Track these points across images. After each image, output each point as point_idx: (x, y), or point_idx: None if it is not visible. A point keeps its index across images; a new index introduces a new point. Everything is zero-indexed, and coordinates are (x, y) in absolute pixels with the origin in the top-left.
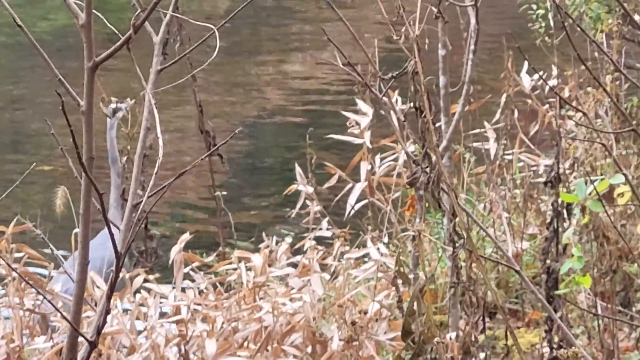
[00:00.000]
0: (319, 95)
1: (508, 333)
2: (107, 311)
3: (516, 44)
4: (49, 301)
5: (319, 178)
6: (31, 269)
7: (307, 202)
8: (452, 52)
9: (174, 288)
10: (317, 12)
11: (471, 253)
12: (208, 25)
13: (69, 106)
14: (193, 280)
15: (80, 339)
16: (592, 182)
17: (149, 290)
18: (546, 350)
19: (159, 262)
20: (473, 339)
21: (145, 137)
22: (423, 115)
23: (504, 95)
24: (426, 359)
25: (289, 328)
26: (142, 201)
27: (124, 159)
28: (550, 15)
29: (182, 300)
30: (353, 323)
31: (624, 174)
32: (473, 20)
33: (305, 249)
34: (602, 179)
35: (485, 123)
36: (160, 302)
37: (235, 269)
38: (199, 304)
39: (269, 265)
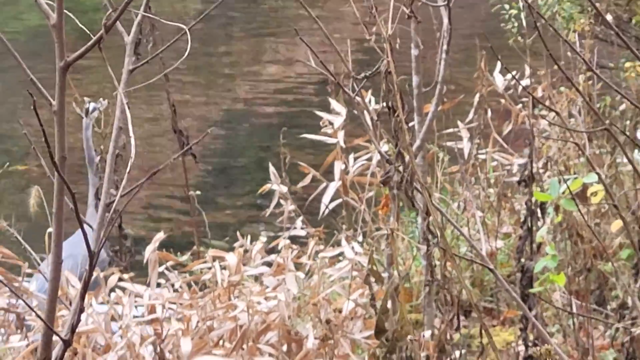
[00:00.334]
0: (293, 95)
1: (483, 331)
2: (81, 310)
3: (489, 44)
4: (23, 300)
5: (293, 177)
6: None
7: (282, 201)
8: (425, 51)
9: (148, 287)
10: (291, 11)
11: (445, 252)
12: (180, 25)
13: (41, 106)
14: (168, 279)
15: (55, 337)
16: (565, 181)
17: (123, 290)
18: (521, 348)
19: (134, 261)
20: (448, 337)
21: (118, 137)
22: (396, 114)
23: (477, 95)
24: (400, 357)
25: (264, 327)
26: (114, 200)
27: (98, 158)
28: (522, 15)
29: (156, 299)
30: (328, 321)
31: (597, 173)
32: (446, 20)
33: (279, 248)
34: (575, 178)
35: (459, 122)
36: (135, 301)
37: (209, 268)
38: (174, 303)
39: (244, 264)
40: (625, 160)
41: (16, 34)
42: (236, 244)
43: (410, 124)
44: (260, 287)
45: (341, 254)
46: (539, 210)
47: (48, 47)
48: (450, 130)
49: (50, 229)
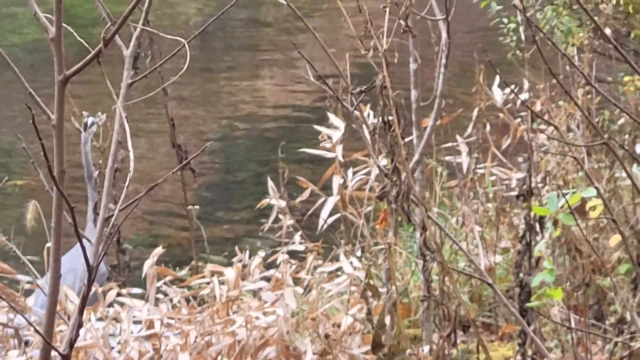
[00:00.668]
0: (291, 109)
1: (481, 347)
2: (80, 324)
3: (487, 58)
4: (21, 315)
5: (291, 192)
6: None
7: (280, 216)
8: (423, 65)
9: (147, 302)
10: (289, 25)
11: (443, 266)
12: (179, 39)
13: (40, 120)
14: (166, 294)
15: (54, 352)
16: (564, 195)
17: (122, 304)
18: None
19: (132, 276)
20: (446, 352)
21: (117, 151)
22: (392, 129)
23: (476, 109)
24: None
25: (263, 342)
26: (113, 214)
27: (96, 172)
28: (521, 29)
29: (155, 314)
30: (326, 337)
31: (596, 188)
32: (444, 34)
33: (278, 262)
34: (574, 193)
35: (457, 137)
36: (133, 316)
37: (208, 283)
38: (172, 318)
39: (242, 279)
40: (624, 174)
41: (15, 47)
42: (235, 259)
43: (409, 138)
44: (259, 302)
45: (340, 268)
46: (537, 225)
47: (47, 61)
48: (449, 144)
49: (49, 244)
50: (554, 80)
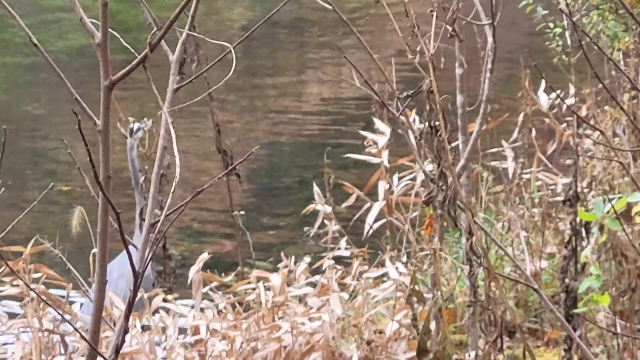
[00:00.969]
0: (337, 114)
1: (527, 352)
2: (126, 331)
3: (533, 63)
4: (67, 321)
5: (337, 197)
6: (52, 290)
7: (326, 221)
8: (469, 70)
9: (192, 308)
10: (334, 28)
11: (489, 272)
12: (224, 44)
13: (86, 126)
14: (212, 300)
15: (99, 359)
16: (610, 200)
17: (167, 310)
18: None
19: (178, 282)
20: (492, 358)
21: (162, 157)
22: (438, 134)
23: (522, 114)
24: None
25: (308, 348)
26: (159, 220)
27: (142, 178)
28: (567, 34)
29: (201, 320)
30: (369, 343)
31: None
32: (490, 39)
33: (323, 268)
34: (619, 198)
35: (503, 142)
36: (179, 322)
37: (254, 289)
38: (218, 324)
39: (288, 285)
40: None
41: (61, 53)
42: (280, 265)
43: (455, 144)
44: (305, 308)
45: (385, 274)
46: (583, 230)
47: (93, 66)
48: (495, 149)
49: (94, 250)
50: (600, 85)
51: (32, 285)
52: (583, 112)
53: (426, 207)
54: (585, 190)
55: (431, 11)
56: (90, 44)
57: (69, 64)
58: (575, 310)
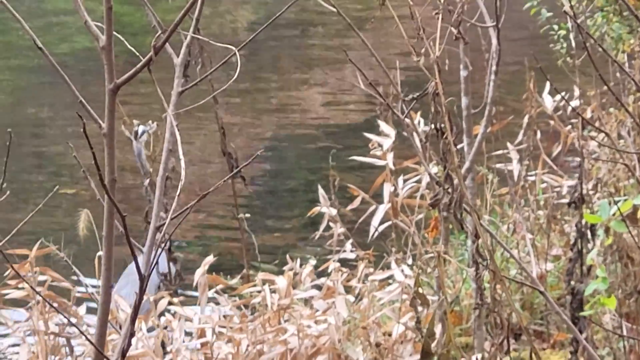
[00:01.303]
0: (341, 117)
1: (533, 354)
2: (132, 334)
3: (538, 65)
4: (73, 324)
5: (342, 200)
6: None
7: (331, 224)
8: (474, 72)
9: (198, 310)
10: (339, 31)
11: (495, 274)
12: (229, 46)
13: (90, 129)
14: (217, 303)
15: None
16: (615, 202)
17: (173, 313)
18: None
19: (183, 285)
20: None
21: (167, 160)
22: (444, 136)
23: (527, 117)
24: None
25: (314, 350)
26: (165, 223)
27: (147, 181)
28: (571, 36)
29: (206, 323)
30: (378, 345)
31: None
32: (494, 41)
33: (329, 271)
34: (625, 200)
35: (508, 144)
36: (185, 325)
37: (259, 291)
38: (224, 327)
39: (294, 288)
40: None
41: (65, 56)
42: (286, 267)
43: (460, 146)
44: (310, 311)
45: (391, 276)
46: (589, 232)
47: (97, 69)
48: (500, 151)
49: (100, 253)
50: (605, 87)
51: (38, 289)
52: (588, 114)
53: (432, 210)
54: (591, 193)
55: (436, 13)
56: (94, 46)
57: (74, 67)
58: (582, 313)
